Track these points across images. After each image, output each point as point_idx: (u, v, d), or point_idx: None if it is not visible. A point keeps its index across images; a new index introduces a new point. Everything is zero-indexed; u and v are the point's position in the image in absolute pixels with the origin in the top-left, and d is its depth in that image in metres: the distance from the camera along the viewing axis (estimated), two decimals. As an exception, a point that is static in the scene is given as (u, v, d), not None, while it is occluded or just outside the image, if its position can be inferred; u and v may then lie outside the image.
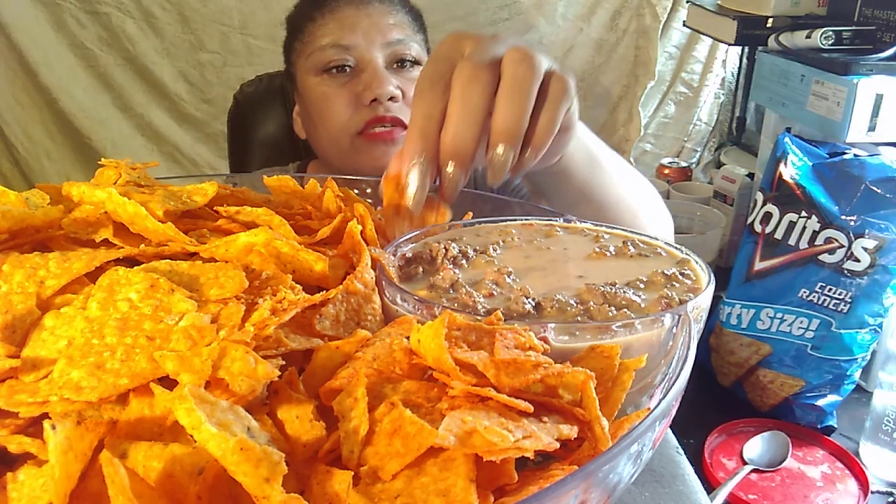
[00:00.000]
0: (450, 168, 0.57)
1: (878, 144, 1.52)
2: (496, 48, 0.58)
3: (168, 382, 0.38)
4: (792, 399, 1.45)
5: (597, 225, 0.64)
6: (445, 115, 0.57)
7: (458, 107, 0.56)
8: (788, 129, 1.66)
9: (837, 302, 1.40)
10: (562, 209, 0.78)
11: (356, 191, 0.68)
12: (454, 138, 0.56)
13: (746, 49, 2.18)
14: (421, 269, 0.55)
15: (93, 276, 0.45)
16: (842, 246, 1.38)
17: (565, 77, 0.61)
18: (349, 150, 1.12)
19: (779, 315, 1.46)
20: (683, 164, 2.33)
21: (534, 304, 0.49)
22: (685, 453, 0.66)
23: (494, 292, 0.51)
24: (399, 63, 1.15)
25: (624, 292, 0.50)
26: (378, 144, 1.10)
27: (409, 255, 0.57)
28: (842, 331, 1.40)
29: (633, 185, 0.89)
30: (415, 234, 0.62)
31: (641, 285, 0.53)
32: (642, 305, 0.50)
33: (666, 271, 0.54)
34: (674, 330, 0.47)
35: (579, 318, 0.48)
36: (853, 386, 1.46)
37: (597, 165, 0.80)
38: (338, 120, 1.12)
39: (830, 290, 1.40)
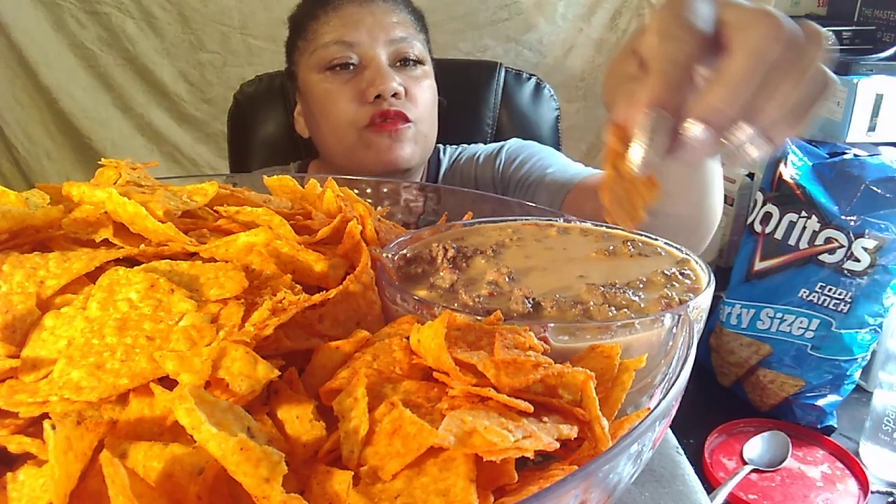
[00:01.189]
0: (699, 133, 0.45)
1: (878, 144, 1.52)
2: (783, 18, 0.46)
3: (168, 382, 0.38)
4: (792, 399, 1.45)
5: (597, 225, 0.64)
6: (699, 65, 0.46)
7: (748, 65, 0.44)
8: (788, 129, 1.66)
9: (837, 302, 1.40)
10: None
11: (356, 191, 0.68)
12: (730, 101, 0.44)
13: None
14: (421, 269, 0.55)
15: (93, 276, 0.45)
16: (842, 246, 1.38)
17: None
18: (356, 145, 1.13)
19: (779, 315, 1.46)
20: (683, 164, 2.32)
21: (534, 304, 0.49)
22: (685, 453, 0.66)
23: (494, 292, 0.51)
24: (402, 62, 1.15)
25: (624, 292, 0.50)
26: (384, 136, 1.11)
27: (409, 255, 0.57)
28: (842, 331, 1.40)
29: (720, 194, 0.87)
30: (413, 234, 0.62)
31: (641, 285, 0.53)
32: (642, 305, 0.50)
33: (666, 271, 0.54)
34: (674, 330, 0.47)
35: (579, 318, 0.48)
36: (853, 386, 1.46)
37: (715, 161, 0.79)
38: (342, 116, 1.12)
39: (830, 290, 1.40)
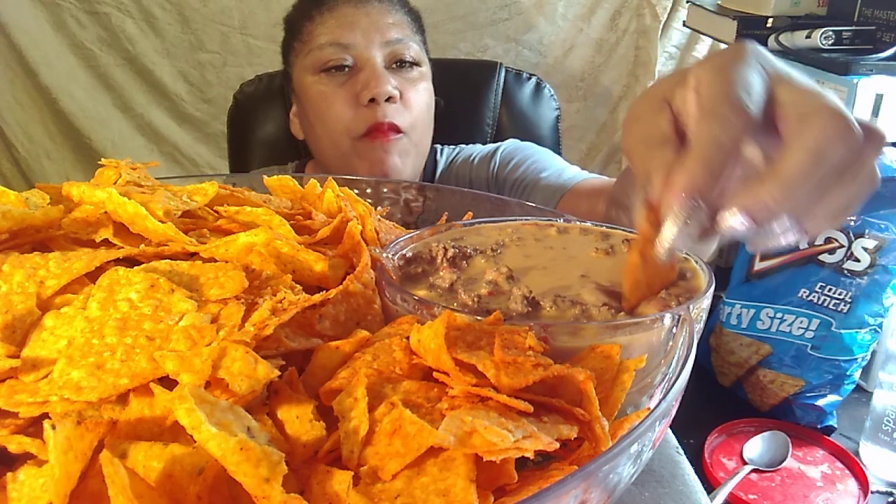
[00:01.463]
0: (738, 224, 0.42)
1: (878, 144, 1.52)
2: (846, 114, 0.42)
3: (168, 382, 0.38)
4: (792, 399, 1.45)
5: (597, 225, 0.64)
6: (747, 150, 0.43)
7: (807, 165, 0.40)
8: (788, 129, 1.65)
9: (837, 302, 1.40)
10: None
11: (356, 191, 0.68)
12: (781, 200, 0.41)
13: (746, 49, 2.18)
14: (421, 269, 0.55)
15: (93, 276, 0.45)
16: (842, 246, 1.38)
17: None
18: (349, 153, 1.13)
19: (779, 315, 1.46)
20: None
21: (533, 303, 0.49)
22: (685, 453, 0.66)
23: (494, 292, 0.51)
24: (398, 63, 1.15)
25: (624, 292, 0.50)
26: (376, 147, 1.10)
27: (409, 255, 0.57)
28: (842, 331, 1.40)
29: None
30: (413, 234, 0.62)
31: (641, 285, 0.52)
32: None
33: (666, 271, 0.54)
34: (674, 330, 0.47)
35: (579, 318, 0.48)
36: (853, 386, 1.46)
37: None
38: (338, 121, 1.12)
39: (830, 290, 1.40)
